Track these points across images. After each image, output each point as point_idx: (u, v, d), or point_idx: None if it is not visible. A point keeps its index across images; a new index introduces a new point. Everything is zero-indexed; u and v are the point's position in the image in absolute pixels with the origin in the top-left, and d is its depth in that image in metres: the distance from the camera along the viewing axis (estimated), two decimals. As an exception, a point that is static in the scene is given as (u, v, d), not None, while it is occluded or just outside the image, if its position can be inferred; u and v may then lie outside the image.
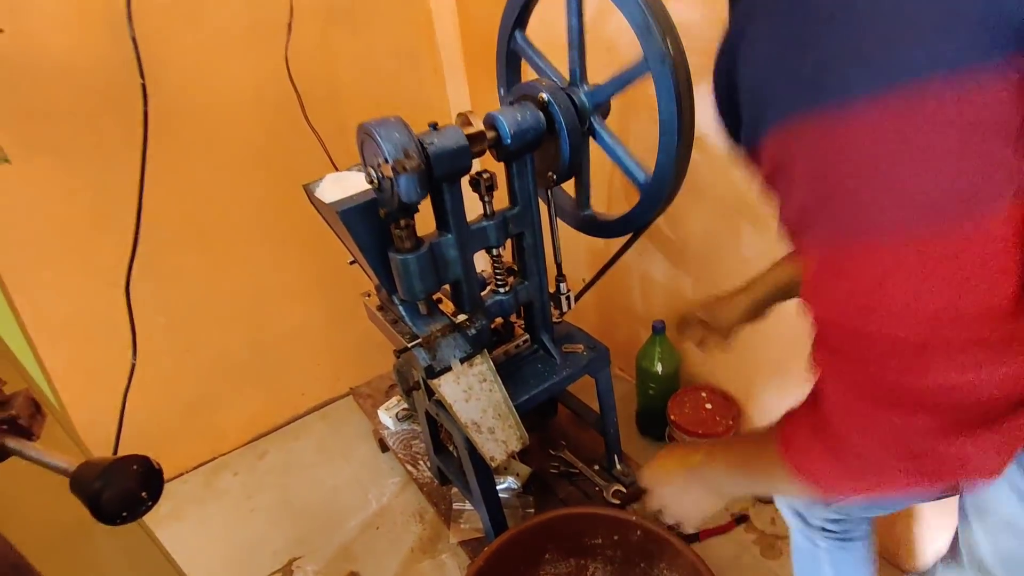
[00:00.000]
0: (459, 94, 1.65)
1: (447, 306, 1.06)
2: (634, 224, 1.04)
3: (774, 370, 1.31)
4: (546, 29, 1.07)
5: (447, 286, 1.02)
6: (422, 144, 0.84)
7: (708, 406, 1.41)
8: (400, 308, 1.03)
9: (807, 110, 0.36)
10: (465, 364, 0.99)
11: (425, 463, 1.47)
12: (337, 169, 1.48)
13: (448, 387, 0.97)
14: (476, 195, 0.98)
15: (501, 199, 1.01)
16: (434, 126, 0.87)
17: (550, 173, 1.00)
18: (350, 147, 1.46)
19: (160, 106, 1.18)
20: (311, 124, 1.39)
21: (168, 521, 1.50)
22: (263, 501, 1.53)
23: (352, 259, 1.20)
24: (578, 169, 1.02)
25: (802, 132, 0.36)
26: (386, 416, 1.57)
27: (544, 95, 0.93)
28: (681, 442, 1.35)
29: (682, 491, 0.69)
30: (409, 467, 1.47)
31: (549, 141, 0.98)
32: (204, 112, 1.31)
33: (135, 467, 0.39)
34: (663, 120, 0.87)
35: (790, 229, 0.42)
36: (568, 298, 1.18)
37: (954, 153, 0.32)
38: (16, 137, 1.15)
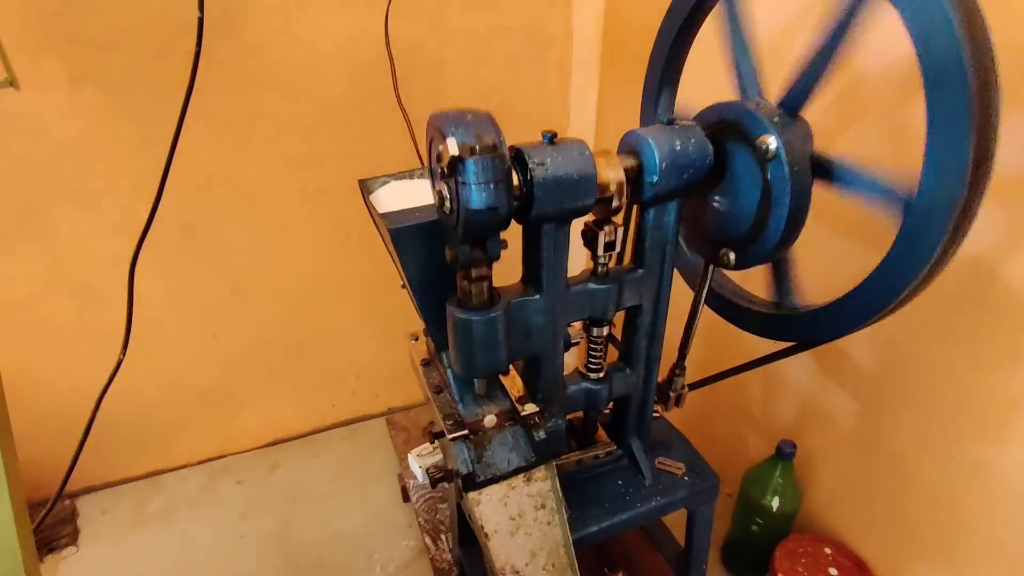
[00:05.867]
0: (585, 102, 1.34)
1: (514, 384, 0.76)
2: (879, 297, 0.60)
3: (936, 540, 0.92)
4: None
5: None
6: (527, 159, 0.55)
7: (833, 571, 1.03)
8: (450, 375, 0.75)
9: None
10: (521, 477, 0.69)
11: (447, 540, 1.19)
12: (418, 168, 1.23)
13: (490, 508, 0.68)
14: (587, 249, 0.67)
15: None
16: (550, 137, 0.57)
17: (724, 250, 0.68)
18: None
19: (229, 49, 0.97)
20: (401, 103, 1.14)
21: (154, 522, 1.32)
22: (258, 527, 1.31)
23: (404, 283, 0.93)
24: (790, 243, 0.66)
25: None
26: (416, 465, 1.30)
27: (771, 138, 0.59)
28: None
29: None
30: (428, 539, 1.20)
31: (713, 191, 0.66)
32: (281, 63, 1.09)
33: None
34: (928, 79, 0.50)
35: None
36: (680, 396, 0.85)
37: None
38: (66, 65, 0.98)
